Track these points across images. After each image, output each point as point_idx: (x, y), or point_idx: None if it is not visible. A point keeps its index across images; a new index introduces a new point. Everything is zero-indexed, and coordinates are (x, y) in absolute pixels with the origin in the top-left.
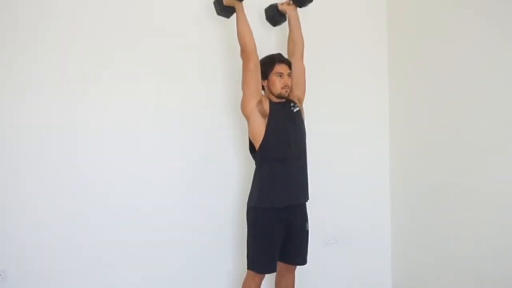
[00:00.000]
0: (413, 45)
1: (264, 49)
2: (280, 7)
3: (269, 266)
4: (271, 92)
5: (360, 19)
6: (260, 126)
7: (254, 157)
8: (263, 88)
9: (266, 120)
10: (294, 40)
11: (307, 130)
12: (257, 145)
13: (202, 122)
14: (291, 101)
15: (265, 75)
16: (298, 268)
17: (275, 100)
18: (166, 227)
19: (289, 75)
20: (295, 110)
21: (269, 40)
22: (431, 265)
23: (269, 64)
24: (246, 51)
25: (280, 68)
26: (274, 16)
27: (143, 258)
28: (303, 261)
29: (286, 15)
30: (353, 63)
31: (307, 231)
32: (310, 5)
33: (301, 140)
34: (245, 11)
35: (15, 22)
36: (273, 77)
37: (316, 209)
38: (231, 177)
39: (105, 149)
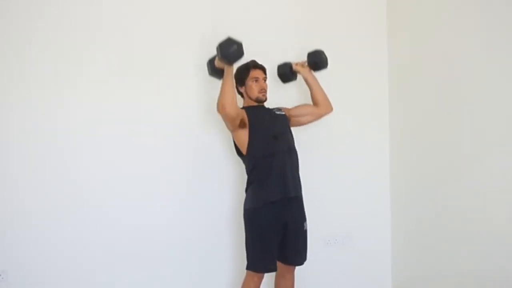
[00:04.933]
0: (413, 45)
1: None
2: (294, 68)
3: (268, 265)
4: (250, 97)
5: (360, 19)
6: (244, 136)
7: (243, 160)
8: (241, 95)
9: (248, 127)
10: (318, 100)
11: (308, 131)
12: (244, 150)
13: (199, 124)
14: (277, 108)
15: (241, 81)
16: (298, 268)
17: (254, 104)
18: (164, 228)
19: (265, 79)
20: (277, 113)
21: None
22: (431, 265)
23: (244, 70)
24: (225, 117)
25: (255, 73)
26: (287, 74)
27: (142, 259)
28: (301, 261)
29: (298, 74)
30: (353, 63)
31: (305, 231)
32: (311, 7)
33: (288, 136)
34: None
35: (3, 22)
36: (250, 82)
37: (316, 209)
38: (229, 177)
39: (102, 151)
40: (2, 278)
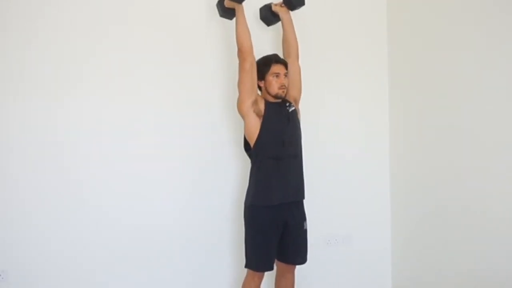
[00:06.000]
0: (413, 45)
1: (260, 47)
2: (273, 8)
3: (265, 264)
4: (268, 93)
5: (360, 19)
6: (255, 125)
7: (249, 155)
8: (260, 89)
9: (261, 119)
10: (288, 41)
11: (308, 130)
12: (252, 143)
13: (200, 122)
14: (287, 101)
15: (261, 76)
16: (298, 268)
17: (272, 100)
18: (165, 228)
19: (286, 75)
20: (290, 110)
21: (265, 39)
22: (431, 265)
23: (265, 65)
24: (242, 51)
25: (276, 68)
26: (268, 16)
27: (142, 259)
28: (302, 261)
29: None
30: (353, 64)
31: (305, 230)
32: (311, 6)
33: (296, 139)
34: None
35: (4, 20)
36: (270, 77)
37: (317, 209)
38: (230, 176)
39: (103, 150)
40: (2, 278)
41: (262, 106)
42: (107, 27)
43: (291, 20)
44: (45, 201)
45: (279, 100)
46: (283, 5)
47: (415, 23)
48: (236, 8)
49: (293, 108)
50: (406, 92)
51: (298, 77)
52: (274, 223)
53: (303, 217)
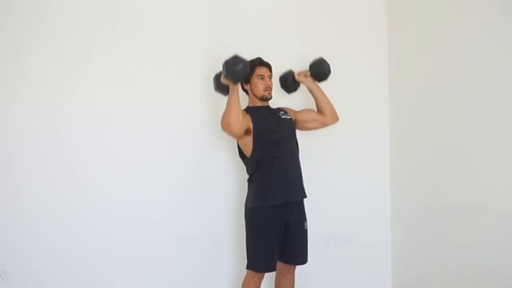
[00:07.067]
0: (413, 47)
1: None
2: (297, 78)
3: (267, 265)
4: (255, 95)
5: (360, 21)
6: (248, 141)
7: (245, 163)
8: (246, 92)
9: (252, 134)
10: (323, 109)
11: (308, 131)
12: (248, 154)
13: (201, 122)
14: (283, 110)
15: (247, 79)
16: (298, 268)
17: (259, 103)
18: (165, 227)
19: (270, 77)
20: (283, 117)
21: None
22: (431, 265)
23: (250, 68)
24: (230, 127)
25: (261, 70)
26: (290, 85)
27: (142, 259)
28: (303, 261)
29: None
30: (353, 64)
31: (306, 230)
32: (312, 9)
33: (291, 141)
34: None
35: (5, 20)
36: (255, 80)
37: (317, 209)
38: (230, 177)
39: (104, 150)
40: (2, 278)
41: (250, 123)
42: (108, 27)
43: (320, 88)
44: (45, 200)
45: (267, 103)
46: (308, 74)
47: (415, 26)
48: (230, 87)
49: (288, 116)
50: (405, 92)
51: (314, 124)
52: (276, 224)
53: (303, 217)
